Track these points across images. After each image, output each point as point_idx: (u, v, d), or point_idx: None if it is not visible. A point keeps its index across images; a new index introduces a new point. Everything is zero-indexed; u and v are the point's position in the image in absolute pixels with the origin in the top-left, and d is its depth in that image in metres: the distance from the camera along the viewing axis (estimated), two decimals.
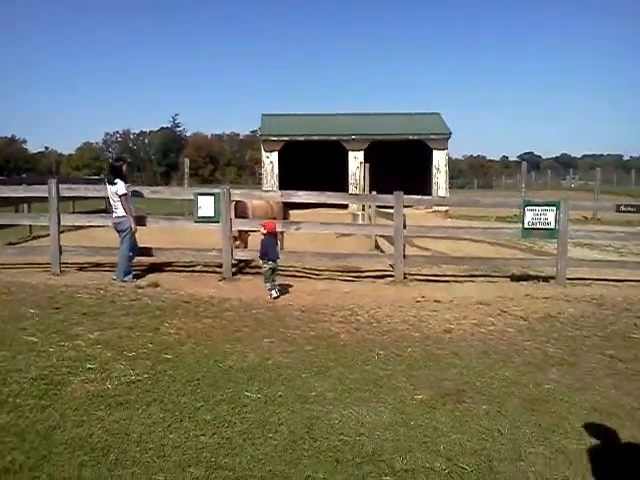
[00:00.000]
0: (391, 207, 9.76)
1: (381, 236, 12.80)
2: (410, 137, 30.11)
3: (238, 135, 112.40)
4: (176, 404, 4.25)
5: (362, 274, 10.14)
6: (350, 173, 29.48)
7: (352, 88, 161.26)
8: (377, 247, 13.43)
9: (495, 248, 13.47)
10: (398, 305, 7.71)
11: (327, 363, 5.29)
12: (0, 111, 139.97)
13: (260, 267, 10.30)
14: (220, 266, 9.58)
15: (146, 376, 4.78)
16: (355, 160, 29.23)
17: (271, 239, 8.57)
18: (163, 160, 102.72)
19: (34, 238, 13.94)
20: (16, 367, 4.88)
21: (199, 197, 9.62)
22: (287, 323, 6.66)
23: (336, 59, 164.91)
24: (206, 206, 9.59)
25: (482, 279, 9.86)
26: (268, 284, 8.22)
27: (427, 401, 4.48)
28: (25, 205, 15.55)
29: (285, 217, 12.38)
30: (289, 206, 12.82)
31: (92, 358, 5.17)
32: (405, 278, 9.50)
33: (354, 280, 9.68)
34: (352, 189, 28.33)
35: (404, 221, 9.55)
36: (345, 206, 23.37)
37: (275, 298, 7.98)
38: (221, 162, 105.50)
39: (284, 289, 8.58)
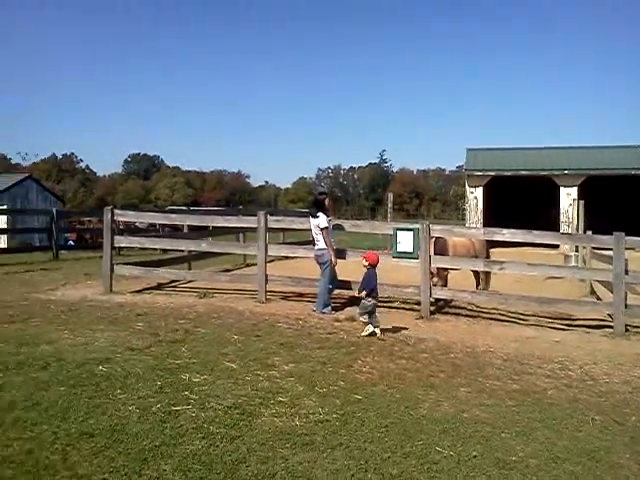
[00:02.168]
0: (609, 249, 8.74)
1: (597, 281, 11.53)
2: (634, 172, 27.35)
3: (444, 170, 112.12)
4: (362, 451, 4.02)
5: (574, 322, 9.15)
6: (561, 210, 27.52)
7: (558, 119, 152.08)
8: (592, 293, 12.14)
9: None
10: (617, 362, 6.75)
11: (531, 423, 4.70)
12: (230, 148, 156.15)
13: (459, 307, 9.90)
14: (418, 304, 9.31)
15: (334, 416, 4.64)
16: (567, 197, 27.23)
17: (374, 272, 7.99)
18: (371, 194, 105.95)
19: (247, 266, 14.90)
20: (214, 393, 5.05)
21: (398, 232, 9.49)
22: (487, 372, 6.14)
23: (546, 89, 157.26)
24: (405, 241, 9.41)
25: None
26: (372, 321, 7.60)
27: None
28: (241, 234, 16.76)
29: (487, 256, 11.74)
30: (491, 244, 12.15)
31: (284, 391, 5.17)
32: (627, 331, 8.37)
33: (565, 328, 8.76)
34: (564, 228, 26.37)
35: (626, 266, 8.47)
36: (555, 246, 21.77)
37: (379, 336, 7.49)
38: (426, 197, 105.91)
39: (486, 332, 8.03)
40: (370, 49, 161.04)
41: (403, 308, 9.64)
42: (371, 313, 7.66)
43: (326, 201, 9.56)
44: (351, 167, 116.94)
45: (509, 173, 28.72)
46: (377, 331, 7.58)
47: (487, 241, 11.61)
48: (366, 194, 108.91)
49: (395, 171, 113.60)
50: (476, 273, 11.83)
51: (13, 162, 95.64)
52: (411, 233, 9.37)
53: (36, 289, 10.38)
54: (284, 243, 15.96)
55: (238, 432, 4.24)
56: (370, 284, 7.80)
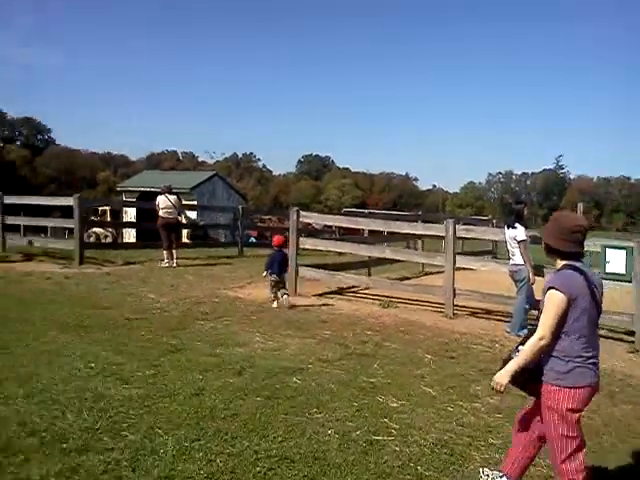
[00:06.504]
0: None
1: None
2: None
3: (629, 179, 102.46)
4: None
5: None
6: None
7: None
8: None
9: None
10: None
11: None
12: (399, 150, 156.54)
13: None
14: (628, 334, 8.18)
15: None
16: None
17: (278, 254, 9.07)
18: (544, 202, 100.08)
19: (425, 274, 14.36)
20: (416, 423, 4.59)
21: (607, 250, 8.41)
22: None
23: None
24: (616, 261, 8.31)
25: None
26: (272, 294, 8.85)
27: None
28: (419, 241, 16.22)
29: None
30: None
31: (494, 430, 4.57)
32: None
33: None
34: None
35: None
36: None
37: (276, 307, 8.67)
38: (606, 208, 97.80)
39: None
40: (551, 48, 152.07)
41: (611, 337, 8.48)
42: (275, 288, 8.85)
43: (525, 210, 8.74)
44: (523, 173, 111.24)
45: None
46: (274, 304, 8.77)
47: None
48: (539, 202, 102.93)
49: (572, 178, 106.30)
50: None
51: (200, 160, 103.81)
52: (624, 252, 8.25)
53: (224, 285, 10.67)
54: (462, 253, 15.12)
55: (450, 479, 3.74)
56: (269, 265, 8.90)
